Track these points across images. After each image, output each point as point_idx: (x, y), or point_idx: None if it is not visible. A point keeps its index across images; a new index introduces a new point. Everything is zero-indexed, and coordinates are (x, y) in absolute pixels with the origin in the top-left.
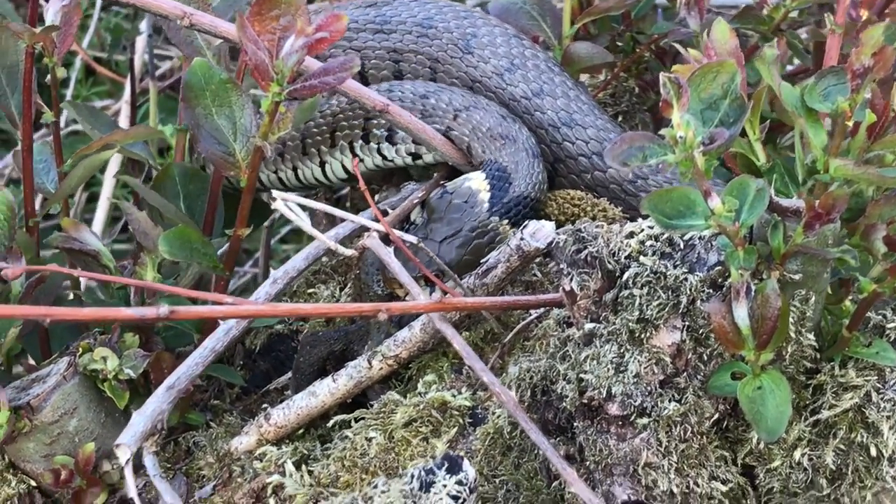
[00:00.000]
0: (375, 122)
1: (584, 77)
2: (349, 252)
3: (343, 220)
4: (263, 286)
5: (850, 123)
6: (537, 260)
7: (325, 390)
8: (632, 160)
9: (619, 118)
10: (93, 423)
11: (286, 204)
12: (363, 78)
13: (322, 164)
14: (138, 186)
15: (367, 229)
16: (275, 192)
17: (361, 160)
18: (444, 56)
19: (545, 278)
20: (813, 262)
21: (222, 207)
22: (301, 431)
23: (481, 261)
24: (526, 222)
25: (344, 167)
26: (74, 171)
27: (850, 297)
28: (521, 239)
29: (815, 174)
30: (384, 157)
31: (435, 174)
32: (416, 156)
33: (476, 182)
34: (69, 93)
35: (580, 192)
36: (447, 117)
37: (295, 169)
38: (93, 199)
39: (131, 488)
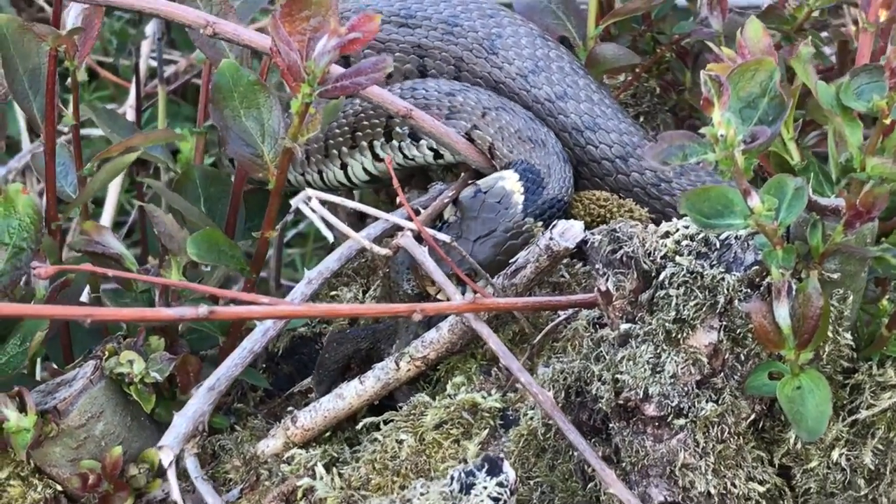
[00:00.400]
0: (398, 120)
1: (604, 78)
2: (384, 251)
3: (375, 220)
4: (298, 287)
5: (888, 122)
6: (565, 261)
7: (352, 392)
8: (672, 159)
9: (641, 119)
10: (119, 426)
11: (313, 204)
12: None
13: (343, 166)
14: (161, 189)
15: (400, 228)
16: (309, 191)
17: (382, 160)
18: (469, 56)
19: (573, 279)
20: (851, 261)
21: (243, 210)
22: (328, 434)
23: (510, 261)
24: (555, 222)
25: (364, 168)
26: (98, 175)
27: (887, 297)
28: (551, 238)
29: (851, 172)
30: (405, 156)
31: (462, 173)
32: (437, 154)
33: (510, 182)
34: (72, 97)
35: (606, 192)
36: (475, 115)
37: (320, 172)
38: (96, 203)
39: (175, 490)
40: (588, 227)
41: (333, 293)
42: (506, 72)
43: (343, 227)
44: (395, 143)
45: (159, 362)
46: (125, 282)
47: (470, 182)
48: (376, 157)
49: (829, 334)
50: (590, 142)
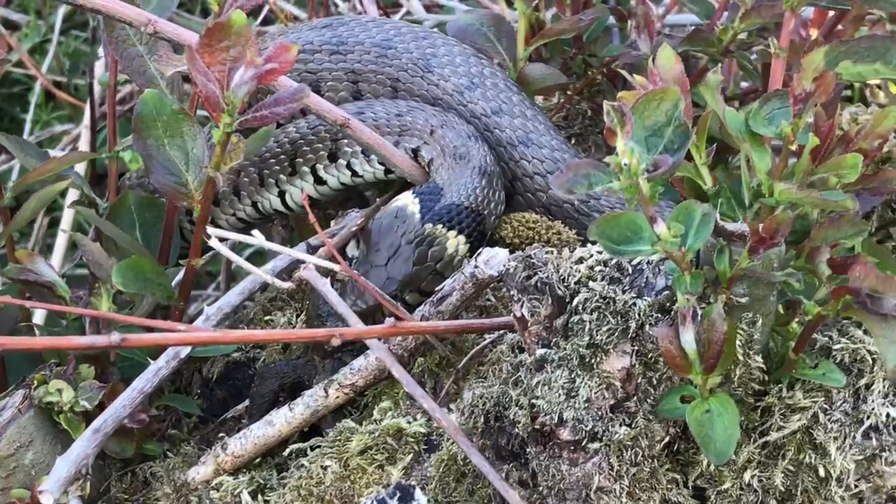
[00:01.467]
0: (346, 140)
1: (538, 100)
2: (286, 285)
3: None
4: (197, 322)
5: (794, 147)
6: (492, 285)
7: (282, 419)
8: (577, 188)
9: (573, 140)
10: (49, 455)
11: (212, 243)
12: None
13: (281, 194)
14: (92, 217)
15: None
16: (209, 230)
17: (325, 182)
18: (405, 75)
19: (499, 303)
20: (759, 286)
21: (178, 236)
22: (258, 460)
23: (435, 290)
24: (480, 249)
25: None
26: (27, 205)
27: (796, 320)
28: (476, 267)
29: (761, 197)
30: (355, 174)
31: (378, 199)
32: (388, 169)
33: (403, 200)
34: (29, 117)
35: (535, 214)
36: (424, 133)
37: (255, 203)
38: (53, 225)
39: None
40: (516, 248)
41: (268, 318)
42: (442, 88)
43: (243, 263)
44: (341, 161)
45: (89, 390)
46: (58, 311)
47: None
48: (318, 181)
49: (740, 357)
50: (523, 156)
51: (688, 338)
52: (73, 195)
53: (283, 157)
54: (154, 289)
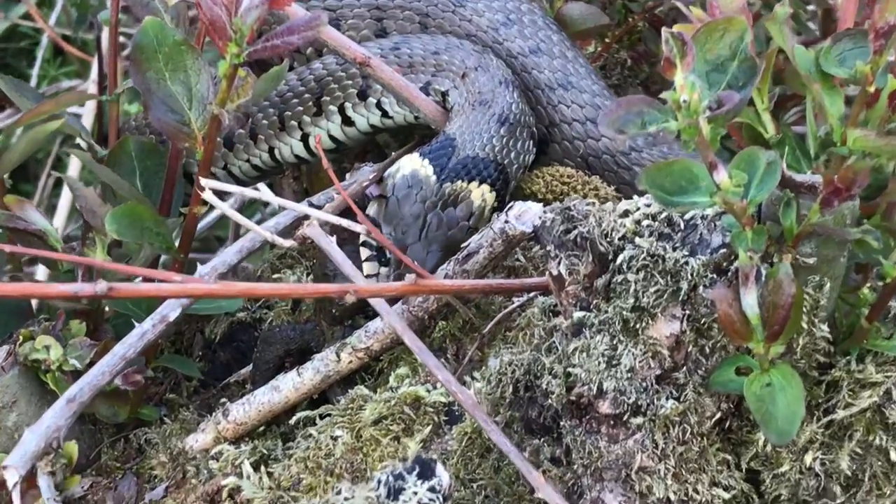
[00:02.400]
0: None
1: None
2: (288, 243)
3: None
4: None
5: (871, 90)
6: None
7: (289, 385)
8: (629, 127)
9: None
10: (34, 418)
11: (206, 196)
12: None
13: (304, 138)
14: (88, 161)
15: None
16: (203, 181)
17: (353, 123)
18: (435, 10)
19: (529, 263)
20: (829, 245)
21: (182, 185)
22: (262, 429)
23: (462, 245)
24: (511, 203)
25: (331, 136)
26: (16, 146)
27: (868, 284)
28: (506, 222)
29: (831, 147)
30: (384, 114)
31: (393, 153)
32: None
33: (409, 165)
34: (35, 72)
35: (571, 168)
36: (458, 76)
37: (272, 150)
38: (59, 185)
39: None
40: (549, 205)
41: (276, 276)
42: (476, 25)
43: (240, 218)
44: (371, 100)
45: (79, 348)
46: (51, 260)
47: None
48: (346, 122)
49: (804, 325)
50: (561, 101)
51: (750, 300)
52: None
53: (307, 95)
54: (152, 238)
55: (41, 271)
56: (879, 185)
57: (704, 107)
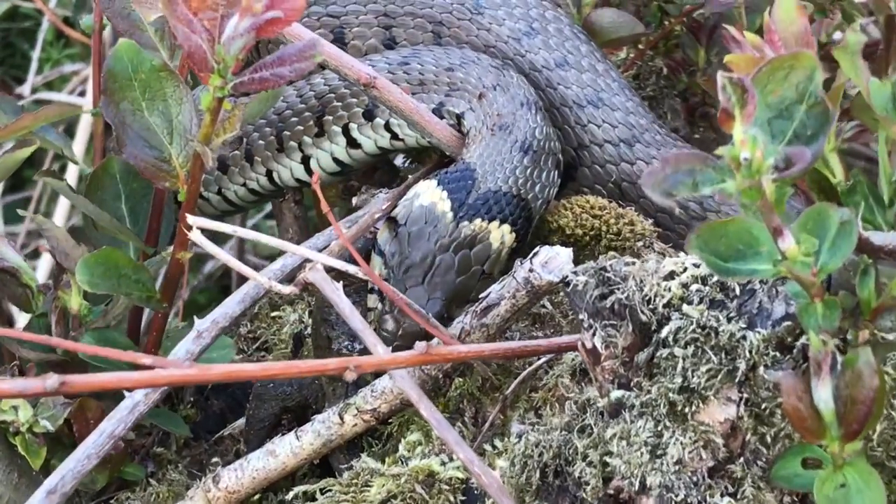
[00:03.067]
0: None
1: None
2: (288, 290)
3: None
4: (185, 341)
5: None
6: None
7: (287, 449)
8: (679, 189)
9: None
10: (2, 485)
11: (193, 235)
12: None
13: (305, 160)
14: (63, 191)
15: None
16: (190, 219)
17: (359, 145)
18: (450, 18)
19: (556, 310)
20: None
21: (172, 212)
22: (257, 497)
23: (480, 296)
24: (536, 248)
25: (335, 159)
26: None
27: None
28: (531, 270)
29: None
30: (394, 136)
31: (404, 176)
32: None
33: (426, 195)
34: (36, 55)
35: (602, 199)
36: (474, 96)
37: (270, 173)
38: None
39: None
40: (579, 240)
41: (275, 314)
42: (496, 34)
43: (236, 264)
44: (379, 121)
45: (51, 408)
46: (23, 303)
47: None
48: (352, 144)
49: (883, 410)
50: (591, 120)
51: (823, 394)
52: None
53: (307, 114)
54: (130, 287)
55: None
56: None
57: (769, 166)
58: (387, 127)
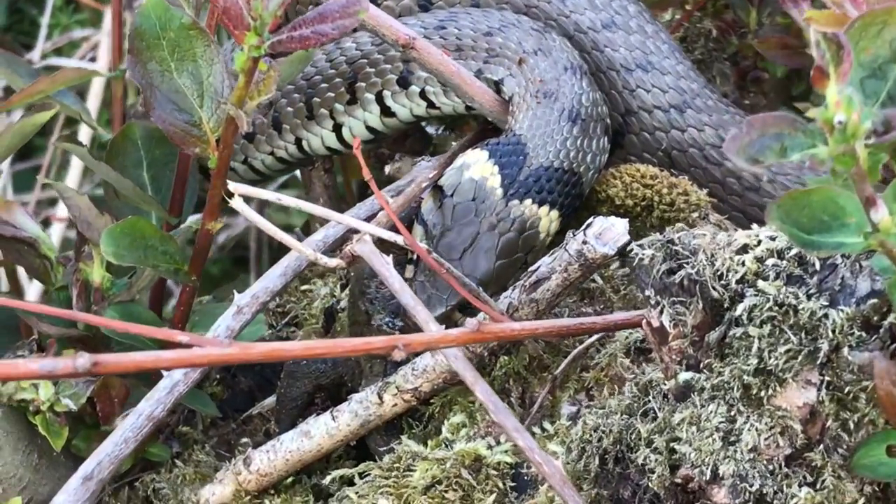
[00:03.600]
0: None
1: None
2: (334, 263)
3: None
4: (225, 317)
5: None
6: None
7: (322, 430)
8: (766, 154)
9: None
10: (21, 467)
11: (235, 203)
12: None
13: (337, 128)
14: (83, 156)
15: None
16: (231, 186)
17: (393, 113)
18: None
19: (607, 285)
20: None
21: (196, 181)
22: (290, 480)
23: (529, 269)
24: (590, 220)
25: (368, 127)
26: (1, 139)
27: None
28: (584, 242)
29: None
30: (430, 104)
31: (453, 143)
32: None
33: (477, 168)
34: (45, 20)
35: (654, 168)
36: (514, 61)
37: (299, 141)
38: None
39: None
40: (629, 211)
41: (305, 287)
42: None
43: (278, 233)
44: (414, 88)
45: (73, 386)
46: (42, 274)
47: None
48: (385, 112)
49: None
50: (640, 84)
51: None
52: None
53: (338, 80)
54: (157, 259)
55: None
56: None
57: (866, 130)
58: (422, 95)
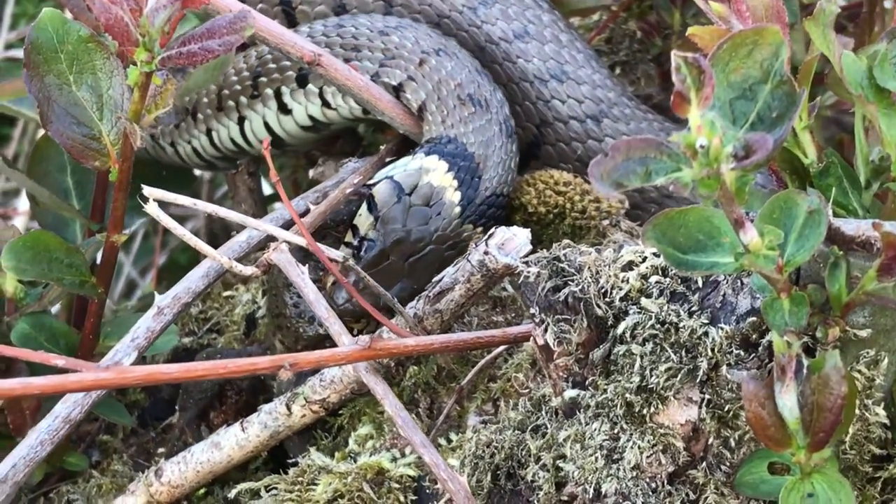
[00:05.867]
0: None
1: (573, 19)
2: (250, 271)
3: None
4: (144, 319)
5: None
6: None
7: (232, 441)
8: (630, 178)
9: (617, 70)
10: None
11: (149, 208)
12: (290, 18)
13: (241, 121)
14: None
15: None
16: (146, 190)
17: (290, 111)
18: None
19: (518, 292)
20: (886, 314)
21: None
22: (203, 492)
23: (434, 279)
24: (492, 230)
25: (267, 125)
26: None
27: None
28: (486, 253)
29: (884, 175)
30: (325, 104)
31: (382, 147)
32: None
33: (438, 176)
34: (8, 10)
35: (567, 174)
36: (411, 63)
37: (209, 132)
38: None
39: None
40: (542, 219)
41: (227, 293)
42: (449, 3)
43: (191, 238)
44: (311, 88)
45: None
46: None
47: (388, 162)
48: (283, 109)
49: (856, 411)
50: (555, 95)
51: (787, 401)
52: None
53: (246, 73)
54: (62, 273)
55: None
56: None
57: (728, 154)
58: (320, 94)
